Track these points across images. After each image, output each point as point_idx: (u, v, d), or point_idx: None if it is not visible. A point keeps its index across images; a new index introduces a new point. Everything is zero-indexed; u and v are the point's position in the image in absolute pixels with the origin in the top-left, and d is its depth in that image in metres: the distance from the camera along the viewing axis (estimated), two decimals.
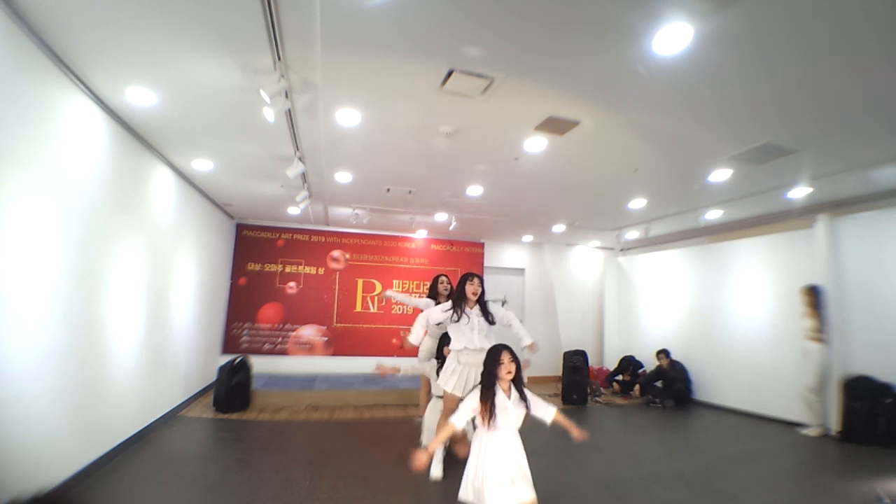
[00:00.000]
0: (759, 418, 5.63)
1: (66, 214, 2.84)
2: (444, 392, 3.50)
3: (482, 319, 3.42)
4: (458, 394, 3.37)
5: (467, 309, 3.41)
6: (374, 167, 4.56)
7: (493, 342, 3.03)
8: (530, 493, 2.23)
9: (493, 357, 2.39)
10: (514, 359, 2.38)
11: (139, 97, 3.06)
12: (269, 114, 2.81)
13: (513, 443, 2.32)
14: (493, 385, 2.33)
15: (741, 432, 5.12)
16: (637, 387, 6.95)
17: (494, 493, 2.17)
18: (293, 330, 7.33)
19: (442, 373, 3.51)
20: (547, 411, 2.44)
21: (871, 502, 3.14)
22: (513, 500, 2.18)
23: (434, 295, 4.32)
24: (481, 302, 3.45)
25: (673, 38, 2.24)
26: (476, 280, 3.43)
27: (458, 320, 3.38)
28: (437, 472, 3.46)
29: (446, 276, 4.45)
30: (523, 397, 2.38)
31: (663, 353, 6.77)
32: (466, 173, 4.67)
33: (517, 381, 2.39)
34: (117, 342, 3.60)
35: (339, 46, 2.46)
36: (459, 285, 3.48)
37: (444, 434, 2.45)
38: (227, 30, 2.34)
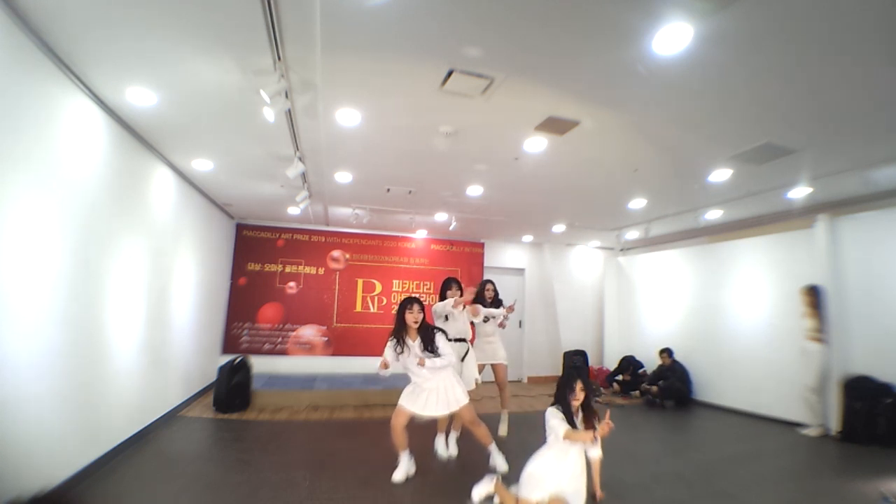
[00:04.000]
0: (759, 418, 5.63)
1: (67, 214, 2.84)
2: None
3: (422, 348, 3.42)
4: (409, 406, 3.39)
5: (409, 340, 3.43)
6: (374, 167, 4.56)
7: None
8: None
9: (568, 383, 2.70)
10: (585, 387, 2.69)
11: (139, 97, 3.06)
12: (269, 114, 2.81)
13: (575, 459, 2.61)
14: (569, 408, 2.65)
15: (741, 432, 5.12)
16: (644, 386, 6.88)
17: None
18: (293, 330, 7.33)
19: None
20: (593, 451, 2.68)
21: (872, 503, 3.14)
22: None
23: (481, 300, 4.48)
24: (423, 329, 3.45)
25: (673, 38, 2.24)
26: (416, 307, 3.42)
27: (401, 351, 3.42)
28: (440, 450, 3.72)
29: (492, 282, 4.64)
30: (591, 424, 2.66)
31: (666, 353, 6.77)
32: (466, 173, 4.67)
33: (587, 406, 2.71)
34: (117, 342, 3.60)
35: (339, 46, 2.46)
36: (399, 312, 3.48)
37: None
38: (227, 30, 2.34)
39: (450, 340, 3.98)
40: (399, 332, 3.43)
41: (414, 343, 3.41)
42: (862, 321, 4.77)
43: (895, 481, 3.47)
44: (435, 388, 3.39)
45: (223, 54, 2.54)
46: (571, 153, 3.96)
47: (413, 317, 3.39)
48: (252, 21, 2.22)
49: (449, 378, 3.44)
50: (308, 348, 7.36)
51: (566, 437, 2.58)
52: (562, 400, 2.70)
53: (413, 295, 3.57)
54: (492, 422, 4.89)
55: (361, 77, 2.81)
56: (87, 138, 3.01)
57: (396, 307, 3.56)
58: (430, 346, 3.37)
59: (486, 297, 4.51)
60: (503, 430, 4.64)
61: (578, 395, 2.66)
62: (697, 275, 6.96)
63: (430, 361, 3.32)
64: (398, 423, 3.41)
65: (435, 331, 3.47)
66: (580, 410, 2.71)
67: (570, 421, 2.61)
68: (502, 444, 4.43)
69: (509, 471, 3.35)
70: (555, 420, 2.65)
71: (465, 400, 3.43)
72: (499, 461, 3.53)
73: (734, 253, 6.40)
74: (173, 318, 4.88)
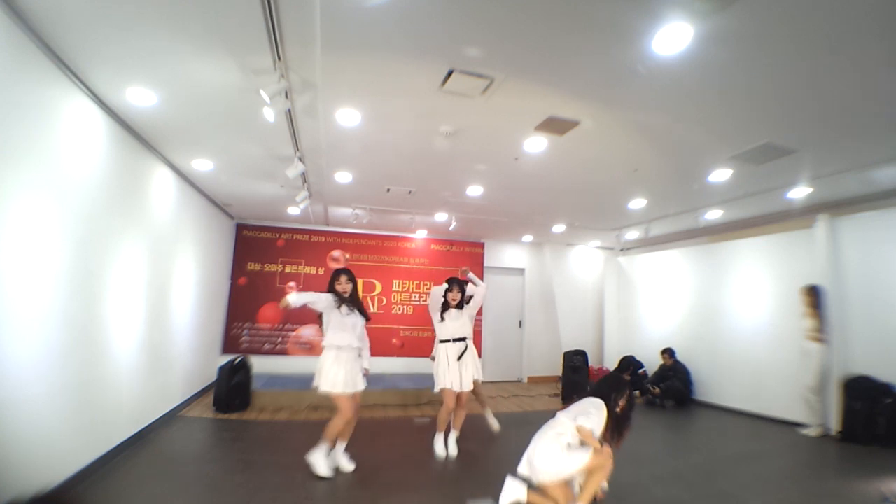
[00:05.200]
0: (759, 418, 5.63)
1: (67, 214, 2.83)
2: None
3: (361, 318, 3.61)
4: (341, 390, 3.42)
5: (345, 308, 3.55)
6: (374, 167, 4.56)
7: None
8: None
9: (622, 388, 2.73)
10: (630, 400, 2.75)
11: (139, 97, 3.06)
12: (269, 114, 2.81)
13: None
14: (615, 410, 2.67)
15: (741, 432, 5.12)
16: (647, 387, 6.83)
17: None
18: (293, 330, 7.32)
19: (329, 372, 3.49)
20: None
21: (873, 503, 3.14)
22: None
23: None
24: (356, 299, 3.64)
25: (673, 38, 2.24)
26: (343, 277, 3.59)
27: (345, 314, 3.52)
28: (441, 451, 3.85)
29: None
30: (620, 435, 2.71)
31: (667, 353, 6.77)
32: (466, 173, 4.67)
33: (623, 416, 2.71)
34: (117, 342, 3.60)
35: (339, 46, 2.46)
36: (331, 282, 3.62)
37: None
38: (227, 30, 2.34)
39: (447, 341, 3.99)
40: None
41: (349, 306, 3.58)
42: (862, 321, 4.77)
43: (895, 481, 3.47)
44: (352, 364, 3.50)
45: (223, 54, 2.54)
46: (571, 153, 3.96)
47: (342, 287, 3.57)
48: (252, 21, 2.22)
49: (357, 357, 3.58)
50: (308, 348, 7.36)
51: (594, 455, 2.48)
52: (607, 399, 2.65)
53: (342, 267, 3.72)
54: (487, 421, 4.89)
55: (361, 77, 2.81)
56: (87, 138, 3.01)
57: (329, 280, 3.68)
58: (360, 309, 3.61)
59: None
60: (494, 423, 4.65)
61: (623, 405, 2.67)
62: (697, 275, 6.96)
63: (354, 323, 3.54)
64: (350, 409, 3.45)
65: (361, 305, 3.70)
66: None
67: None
68: (501, 443, 4.43)
69: (508, 470, 3.34)
70: (596, 426, 2.56)
71: (364, 385, 3.58)
72: (342, 461, 3.52)
73: (734, 253, 6.40)
74: (173, 318, 4.88)
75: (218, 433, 4.50)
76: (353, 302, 3.60)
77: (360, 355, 3.61)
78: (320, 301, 3.50)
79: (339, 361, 3.43)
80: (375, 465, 3.69)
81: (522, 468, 2.67)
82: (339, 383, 3.39)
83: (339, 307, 3.51)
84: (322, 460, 3.37)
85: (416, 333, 7.73)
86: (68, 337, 2.91)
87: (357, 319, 3.58)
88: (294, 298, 3.43)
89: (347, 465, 3.51)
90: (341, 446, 3.53)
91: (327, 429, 3.42)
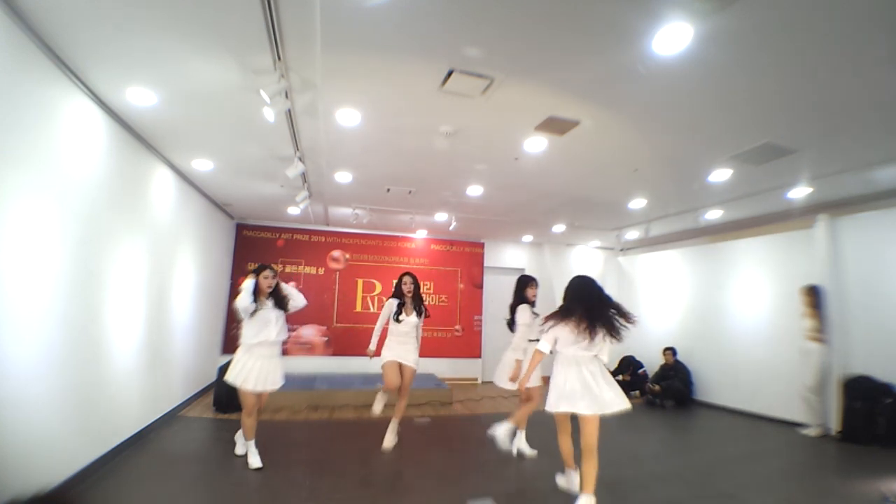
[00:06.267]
0: (759, 418, 5.63)
1: (67, 214, 2.83)
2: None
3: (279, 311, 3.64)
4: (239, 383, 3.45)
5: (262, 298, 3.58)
6: (374, 167, 4.56)
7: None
8: None
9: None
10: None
11: (139, 97, 3.06)
12: (269, 114, 2.81)
13: None
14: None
15: (741, 432, 5.12)
16: (648, 385, 6.85)
17: None
18: (293, 330, 7.30)
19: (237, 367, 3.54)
20: None
21: (873, 502, 3.14)
22: None
23: (399, 294, 4.31)
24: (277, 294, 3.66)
25: (673, 38, 2.24)
26: (269, 272, 3.64)
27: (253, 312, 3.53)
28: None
29: (410, 274, 4.39)
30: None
31: (670, 351, 6.77)
32: (466, 173, 4.67)
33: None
34: (117, 342, 3.60)
35: (339, 46, 2.46)
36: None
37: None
38: (227, 30, 2.34)
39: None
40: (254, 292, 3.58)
41: (268, 301, 3.60)
42: (862, 321, 4.77)
43: (895, 481, 3.47)
44: (267, 363, 3.54)
45: (223, 54, 2.54)
46: (571, 153, 3.96)
47: (267, 283, 3.61)
48: (252, 21, 2.22)
49: (277, 356, 3.64)
50: (308, 348, 7.36)
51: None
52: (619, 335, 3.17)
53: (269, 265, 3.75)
54: (492, 422, 4.87)
55: (361, 77, 2.81)
56: (87, 138, 3.01)
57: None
58: (281, 303, 3.64)
59: (405, 290, 4.27)
60: (390, 441, 4.20)
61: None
62: (697, 275, 6.96)
63: (267, 318, 3.55)
64: (252, 404, 3.51)
65: (287, 298, 3.72)
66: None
67: None
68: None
69: (507, 470, 3.35)
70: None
71: (280, 383, 3.63)
72: (252, 459, 3.51)
73: (734, 253, 6.40)
74: (173, 318, 4.88)
75: (218, 433, 4.49)
76: (271, 296, 3.63)
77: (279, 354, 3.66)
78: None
79: (248, 356, 3.51)
80: (376, 464, 3.69)
81: (580, 407, 3.01)
82: (240, 377, 3.46)
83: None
84: (253, 456, 3.50)
85: None
86: (68, 337, 2.91)
87: (270, 314, 3.57)
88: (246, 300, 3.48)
89: (255, 461, 3.47)
90: (251, 442, 3.56)
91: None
